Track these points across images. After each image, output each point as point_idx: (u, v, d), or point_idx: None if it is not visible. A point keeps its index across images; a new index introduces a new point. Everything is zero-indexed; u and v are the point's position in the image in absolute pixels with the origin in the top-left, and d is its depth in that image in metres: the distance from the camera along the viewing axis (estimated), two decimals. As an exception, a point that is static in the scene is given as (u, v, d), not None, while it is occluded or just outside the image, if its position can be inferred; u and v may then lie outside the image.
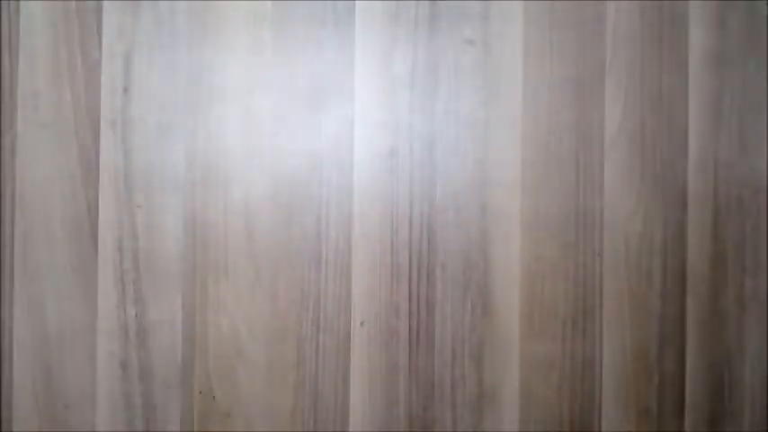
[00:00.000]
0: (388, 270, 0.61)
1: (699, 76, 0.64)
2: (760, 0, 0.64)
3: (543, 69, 0.62)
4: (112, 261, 0.59)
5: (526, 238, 0.62)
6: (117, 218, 0.60)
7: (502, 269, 0.61)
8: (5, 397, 0.59)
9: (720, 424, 0.63)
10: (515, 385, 0.61)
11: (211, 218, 0.60)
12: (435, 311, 0.61)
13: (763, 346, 0.64)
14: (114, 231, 0.60)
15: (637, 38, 0.63)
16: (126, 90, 0.60)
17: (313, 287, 0.60)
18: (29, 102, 0.60)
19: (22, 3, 0.60)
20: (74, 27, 0.60)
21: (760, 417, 0.64)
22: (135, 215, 0.60)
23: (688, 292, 0.63)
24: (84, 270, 0.59)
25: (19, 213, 0.59)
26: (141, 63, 0.60)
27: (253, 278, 0.60)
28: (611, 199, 0.62)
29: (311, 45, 0.61)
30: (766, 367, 0.64)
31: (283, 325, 0.60)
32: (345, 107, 0.61)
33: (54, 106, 0.60)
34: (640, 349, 0.62)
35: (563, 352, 0.62)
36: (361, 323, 0.60)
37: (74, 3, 0.60)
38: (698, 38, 0.64)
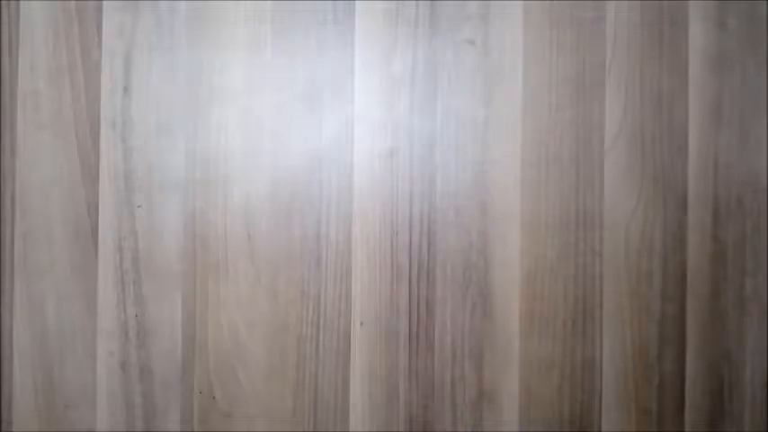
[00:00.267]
0: (388, 270, 0.61)
1: (699, 76, 0.64)
2: (760, 0, 0.64)
3: (543, 69, 0.62)
4: (112, 261, 0.60)
5: (526, 238, 0.62)
6: (117, 218, 0.60)
7: (502, 269, 0.61)
8: (5, 397, 0.59)
9: (720, 424, 0.63)
10: (515, 385, 0.61)
11: (211, 218, 0.60)
12: (435, 311, 0.61)
13: (763, 346, 0.64)
14: (114, 231, 0.60)
15: (637, 38, 0.63)
16: (126, 90, 0.60)
17: (313, 287, 0.61)
18: (29, 102, 0.60)
19: (22, 3, 0.60)
20: (74, 27, 0.60)
21: (760, 417, 0.64)
22: (135, 215, 0.60)
23: (688, 292, 0.63)
24: (84, 270, 0.59)
25: (19, 213, 0.59)
26: (141, 63, 0.60)
27: (253, 278, 0.60)
28: (611, 199, 0.62)
29: (311, 45, 0.61)
30: (766, 367, 0.64)
31: (283, 325, 0.60)
32: (345, 107, 0.61)
33: (54, 106, 0.60)
34: (640, 349, 0.62)
35: (563, 352, 0.62)
36: (361, 323, 0.60)
37: (74, 3, 0.60)
38: (698, 38, 0.64)
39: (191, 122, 0.60)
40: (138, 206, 0.60)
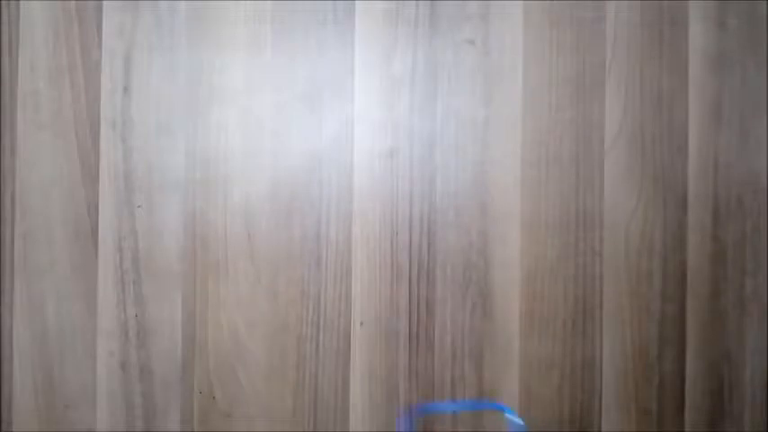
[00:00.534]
0: (388, 270, 0.61)
1: (699, 76, 0.64)
2: (760, 0, 0.64)
3: (543, 69, 0.62)
4: (112, 261, 0.60)
5: (526, 238, 0.62)
6: (117, 218, 0.60)
7: (502, 269, 0.61)
8: (5, 397, 0.59)
9: (720, 424, 0.63)
10: (515, 385, 0.61)
11: (211, 218, 0.60)
12: (435, 311, 0.61)
13: (764, 346, 0.64)
14: (114, 231, 0.60)
15: (637, 38, 0.63)
16: (126, 90, 0.60)
17: (313, 287, 0.61)
18: (29, 102, 0.60)
19: (22, 3, 0.60)
20: (74, 27, 0.60)
21: (760, 417, 0.64)
22: (135, 215, 0.60)
23: (688, 292, 0.63)
24: (84, 270, 0.59)
25: (19, 214, 0.59)
26: (141, 63, 0.60)
27: (253, 278, 0.60)
28: (611, 199, 0.63)
29: (311, 45, 0.61)
30: (766, 367, 0.64)
31: (283, 325, 0.60)
32: (345, 107, 0.61)
33: (54, 106, 0.60)
34: (640, 349, 0.62)
35: (563, 352, 0.62)
36: (361, 323, 0.60)
37: (74, 3, 0.60)
38: (698, 38, 0.64)
39: (191, 122, 0.60)
40: (138, 206, 0.60)
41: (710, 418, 0.63)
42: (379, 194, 0.61)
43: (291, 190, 0.61)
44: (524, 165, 0.62)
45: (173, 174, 0.60)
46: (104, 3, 0.60)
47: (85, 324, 0.59)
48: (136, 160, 0.60)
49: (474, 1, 0.62)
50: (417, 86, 0.62)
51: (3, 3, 0.60)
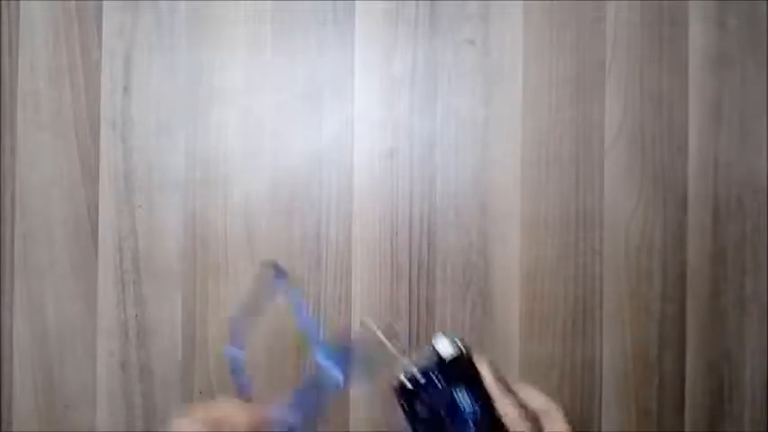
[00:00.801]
0: (388, 270, 0.61)
1: (699, 76, 0.64)
2: (760, 0, 0.64)
3: (543, 69, 0.62)
4: (112, 261, 0.60)
5: (526, 238, 0.62)
6: (117, 218, 0.60)
7: (502, 269, 0.61)
8: (5, 397, 0.59)
9: (720, 424, 0.63)
10: (515, 385, 0.61)
11: (211, 218, 0.60)
12: (435, 311, 0.61)
13: (764, 346, 0.64)
14: (114, 231, 0.60)
15: (637, 38, 0.63)
16: (126, 90, 0.60)
17: (313, 287, 0.60)
18: (29, 102, 0.60)
19: (22, 3, 0.60)
20: (74, 27, 0.60)
21: (760, 417, 0.64)
22: (135, 215, 0.60)
23: (688, 292, 0.63)
24: (84, 270, 0.59)
25: (19, 214, 0.59)
26: (141, 63, 0.60)
27: (253, 278, 0.60)
28: (611, 199, 0.62)
29: (311, 45, 0.61)
30: (766, 367, 0.64)
31: (283, 325, 0.60)
32: (345, 107, 0.61)
33: (54, 106, 0.60)
34: (640, 349, 0.62)
35: (563, 352, 0.62)
36: (361, 323, 0.60)
37: (74, 3, 0.60)
38: (698, 38, 0.63)
39: (191, 122, 0.60)
40: (138, 206, 0.60)
41: (710, 418, 0.63)
42: (379, 194, 0.61)
43: (291, 190, 0.61)
44: (524, 165, 0.62)
45: (173, 174, 0.60)
46: (104, 3, 0.60)
47: (85, 324, 0.59)
48: (136, 160, 0.60)
49: (474, 1, 0.62)
50: (417, 86, 0.62)
51: (3, 3, 0.60)
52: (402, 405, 0.33)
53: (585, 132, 0.63)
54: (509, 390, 0.32)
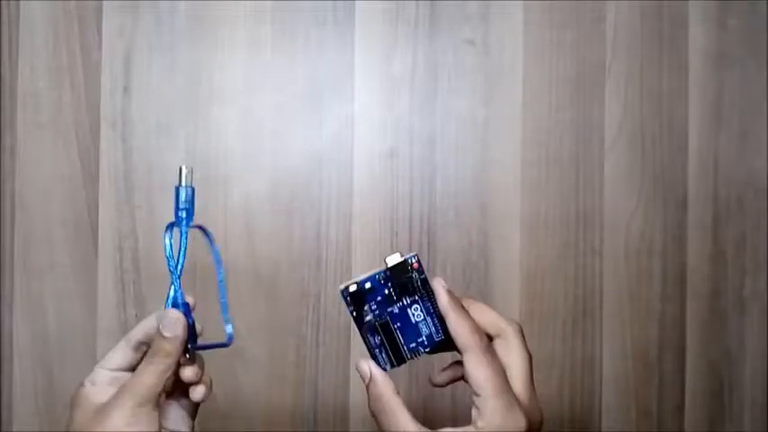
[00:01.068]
0: (388, 270, 0.61)
1: (699, 76, 0.64)
2: (760, 0, 0.64)
3: (543, 69, 0.62)
4: (112, 261, 0.59)
5: (526, 238, 0.62)
6: (117, 218, 0.60)
7: (502, 269, 0.61)
8: (5, 397, 0.59)
9: (720, 424, 0.63)
10: (515, 385, 0.61)
11: (211, 218, 0.60)
12: (435, 311, 0.61)
13: (764, 346, 0.64)
14: (114, 231, 0.60)
15: (637, 38, 0.63)
16: (126, 90, 0.60)
17: (313, 287, 0.60)
18: (29, 102, 0.60)
19: (22, 3, 0.60)
20: (74, 27, 0.60)
21: (760, 417, 0.64)
22: (135, 215, 0.60)
23: (688, 292, 0.63)
24: (84, 270, 0.59)
25: (19, 214, 0.59)
26: (141, 63, 0.60)
27: (253, 278, 0.60)
28: (611, 199, 0.62)
29: (311, 45, 0.61)
30: (766, 367, 0.64)
31: (283, 325, 0.60)
32: (345, 107, 0.61)
33: (54, 106, 0.60)
34: (640, 349, 0.62)
35: (563, 352, 0.62)
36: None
37: (74, 3, 0.60)
38: (698, 38, 0.63)
39: (191, 122, 0.60)
40: (138, 206, 0.60)
41: (710, 418, 0.63)
42: (379, 194, 0.61)
43: (291, 190, 0.61)
44: (524, 165, 0.62)
45: (173, 174, 0.60)
46: (104, 3, 0.60)
47: (85, 324, 0.59)
48: (136, 160, 0.60)
49: (474, 1, 0.62)
50: (417, 86, 0.62)
51: (3, 3, 0.60)
52: (351, 312, 0.34)
53: (585, 132, 0.63)
54: (461, 307, 0.33)
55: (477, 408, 0.31)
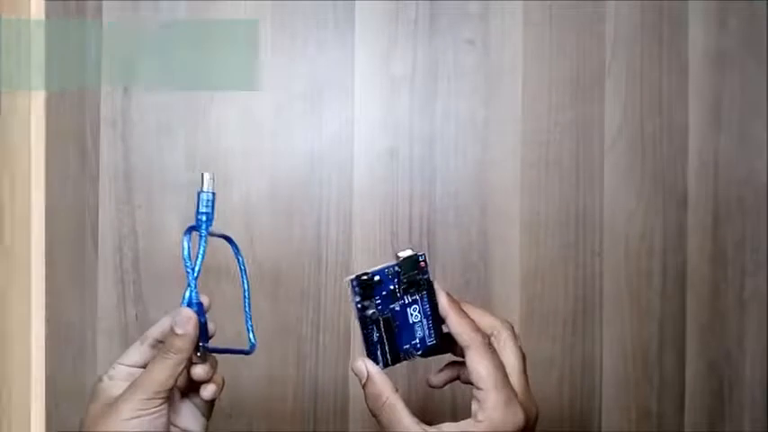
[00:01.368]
0: (388, 270, 0.61)
1: (699, 77, 0.64)
2: (760, 0, 0.64)
3: (543, 69, 0.62)
4: (112, 261, 0.59)
5: (526, 238, 0.62)
6: (117, 218, 0.60)
7: (502, 269, 0.61)
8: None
9: (720, 424, 0.63)
10: (515, 385, 0.61)
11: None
12: (435, 311, 0.61)
13: (763, 346, 0.64)
14: (114, 231, 0.60)
15: (637, 38, 0.63)
16: (126, 90, 0.60)
17: (313, 287, 0.60)
18: (29, 102, 0.60)
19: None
20: (74, 27, 0.60)
21: (760, 417, 0.64)
22: (135, 215, 0.60)
23: (688, 292, 0.63)
24: (84, 270, 0.59)
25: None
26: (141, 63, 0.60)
27: (253, 278, 0.60)
28: (611, 199, 0.62)
29: (311, 45, 0.61)
30: (766, 367, 0.64)
31: (283, 325, 0.60)
32: (345, 107, 0.61)
33: (54, 106, 0.60)
34: (640, 349, 0.62)
35: (563, 352, 0.62)
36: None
37: (74, 3, 0.60)
38: (698, 38, 0.64)
39: (191, 122, 0.60)
40: (138, 206, 0.60)
41: (710, 418, 0.63)
42: (378, 194, 0.61)
43: (291, 190, 0.61)
44: (524, 165, 0.62)
45: (173, 174, 0.60)
46: (104, 3, 0.60)
47: (85, 324, 0.59)
48: (136, 160, 0.60)
49: (474, 1, 0.62)
50: (417, 86, 0.62)
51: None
52: (357, 304, 0.34)
53: (585, 132, 0.63)
54: (461, 308, 0.34)
55: (477, 401, 0.32)
